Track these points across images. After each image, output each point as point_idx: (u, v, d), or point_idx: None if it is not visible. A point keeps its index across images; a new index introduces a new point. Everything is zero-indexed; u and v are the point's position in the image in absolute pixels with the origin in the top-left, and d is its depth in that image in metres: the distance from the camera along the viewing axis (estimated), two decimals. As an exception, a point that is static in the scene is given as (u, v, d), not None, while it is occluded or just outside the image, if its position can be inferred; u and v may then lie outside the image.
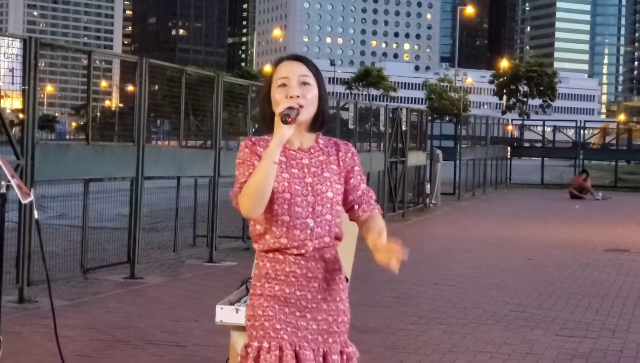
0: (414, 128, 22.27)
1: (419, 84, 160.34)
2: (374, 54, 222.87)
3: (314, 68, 3.38)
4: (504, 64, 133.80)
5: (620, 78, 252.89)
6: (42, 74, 9.35)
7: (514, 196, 29.90)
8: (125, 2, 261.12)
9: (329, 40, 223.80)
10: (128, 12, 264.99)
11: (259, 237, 3.34)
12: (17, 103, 9.34)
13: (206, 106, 12.87)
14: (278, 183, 3.26)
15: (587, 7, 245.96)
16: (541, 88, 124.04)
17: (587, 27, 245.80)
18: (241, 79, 15.93)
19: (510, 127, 42.63)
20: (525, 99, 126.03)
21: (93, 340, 7.42)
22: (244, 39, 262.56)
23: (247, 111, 13.88)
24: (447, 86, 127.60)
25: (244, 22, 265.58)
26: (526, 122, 46.91)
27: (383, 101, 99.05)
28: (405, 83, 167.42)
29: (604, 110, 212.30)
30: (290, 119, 3.17)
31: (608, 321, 8.89)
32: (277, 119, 3.21)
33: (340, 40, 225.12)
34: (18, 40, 9.18)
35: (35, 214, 4.16)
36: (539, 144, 40.33)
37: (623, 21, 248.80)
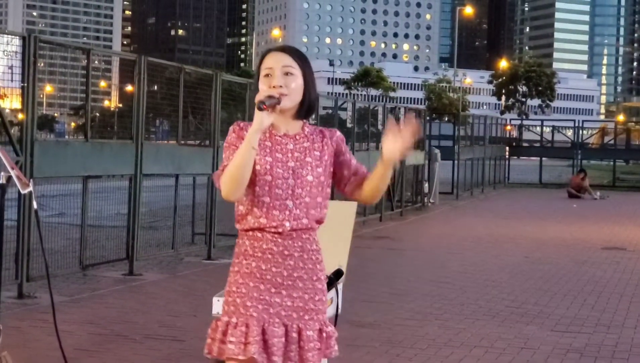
0: (412, 127, 22.26)
1: (418, 85, 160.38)
2: (373, 54, 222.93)
3: (299, 58, 3.51)
4: (503, 64, 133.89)
5: (619, 79, 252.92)
6: (41, 74, 9.40)
7: (512, 195, 29.97)
8: (125, 3, 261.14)
9: (328, 40, 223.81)
10: (127, 12, 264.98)
11: (241, 218, 3.47)
12: (16, 103, 9.40)
13: (205, 105, 12.92)
14: (261, 166, 3.40)
15: (586, 8, 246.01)
16: (540, 88, 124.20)
17: (586, 27, 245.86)
18: (239, 78, 15.98)
19: (509, 127, 42.71)
20: (524, 100, 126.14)
21: (92, 334, 7.49)
22: (243, 39, 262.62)
23: (245, 109, 13.94)
24: (446, 86, 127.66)
25: (243, 23, 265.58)
26: (525, 123, 46.97)
27: (382, 101, 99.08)
28: (404, 83, 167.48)
29: (603, 110, 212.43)
30: (264, 106, 3.29)
31: (603, 317, 8.95)
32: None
33: (339, 41, 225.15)
34: (17, 37, 9.23)
35: (35, 205, 4.21)
36: (537, 144, 40.39)
37: (622, 22, 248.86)
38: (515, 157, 38.63)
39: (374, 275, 11.42)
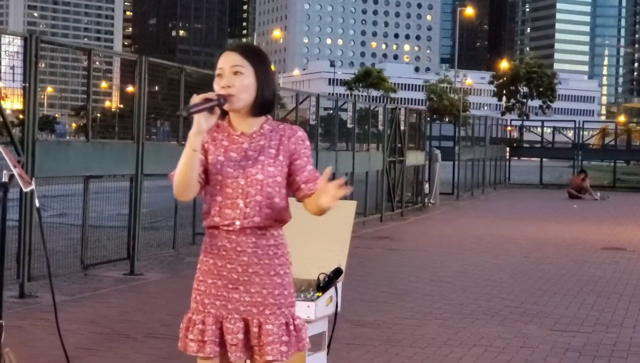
0: (413, 128, 22.37)
1: (419, 85, 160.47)
2: (374, 55, 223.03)
3: (250, 56, 3.51)
4: (504, 65, 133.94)
5: (620, 80, 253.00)
6: (43, 75, 9.44)
7: (512, 196, 30.00)
8: (126, 3, 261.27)
9: (329, 41, 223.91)
10: (128, 13, 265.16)
11: (204, 215, 3.55)
12: (17, 104, 9.44)
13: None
14: (213, 166, 3.48)
15: (587, 9, 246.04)
16: (541, 89, 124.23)
17: (587, 28, 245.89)
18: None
19: (509, 128, 42.72)
20: (524, 100, 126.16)
21: (93, 333, 7.53)
22: (244, 40, 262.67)
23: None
24: (446, 87, 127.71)
25: (244, 24, 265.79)
26: (525, 123, 47.00)
27: (383, 102, 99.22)
28: (405, 84, 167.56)
29: (603, 111, 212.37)
30: (191, 112, 3.34)
31: (602, 316, 8.99)
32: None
33: (340, 42, 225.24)
34: (19, 38, 9.27)
35: (37, 203, 4.25)
36: (538, 145, 40.42)
37: (623, 22, 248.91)
38: (515, 158, 38.66)
39: (374, 274, 11.45)
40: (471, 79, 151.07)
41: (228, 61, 3.48)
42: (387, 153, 19.68)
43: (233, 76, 3.45)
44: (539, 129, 41.09)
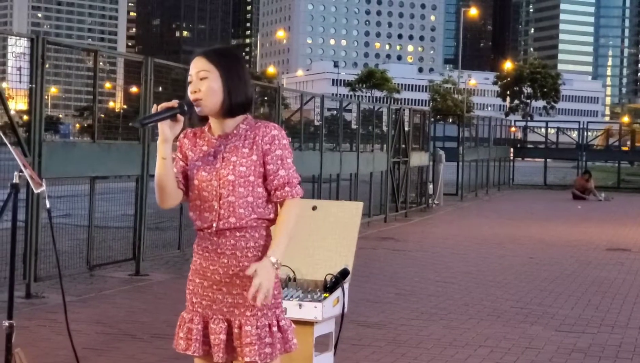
0: (417, 129, 22.38)
1: (423, 86, 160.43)
2: (377, 55, 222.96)
3: (217, 60, 3.51)
4: (508, 65, 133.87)
5: (624, 80, 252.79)
6: (47, 76, 9.46)
7: (516, 196, 29.99)
8: (130, 4, 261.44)
9: (332, 42, 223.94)
10: (132, 13, 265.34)
11: (190, 218, 3.60)
12: (22, 105, 9.47)
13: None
14: (190, 171, 3.53)
15: (591, 9, 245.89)
16: (545, 90, 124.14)
17: (591, 29, 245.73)
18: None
19: (513, 129, 42.70)
20: (528, 101, 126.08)
21: (100, 333, 7.55)
22: (247, 40, 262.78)
23: (251, 110, 13.98)
24: (450, 87, 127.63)
25: (248, 24, 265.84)
26: (529, 124, 46.98)
27: (387, 102, 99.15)
28: (409, 85, 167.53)
29: (607, 112, 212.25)
30: (146, 122, 3.45)
31: (607, 317, 9.00)
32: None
33: (343, 42, 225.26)
34: (25, 39, 9.30)
35: (47, 204, 4.27)
36: (542, 146, 40.40)
37: (627, 23, 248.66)
38: (519, 158, 38.63)
39: (378, 275, 11.47)
40: (475, 79, 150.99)
41: (195, 66, 3.50)
42: (391, 153, 19.69)
43: (199, 81, 3.48)
44: (543, 130, 41.09)
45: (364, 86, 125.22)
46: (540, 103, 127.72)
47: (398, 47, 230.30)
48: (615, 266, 12.95)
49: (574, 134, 39.84)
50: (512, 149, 37.19)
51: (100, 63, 10.83)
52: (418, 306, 9.34)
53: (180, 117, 3.43)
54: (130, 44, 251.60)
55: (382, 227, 17.93)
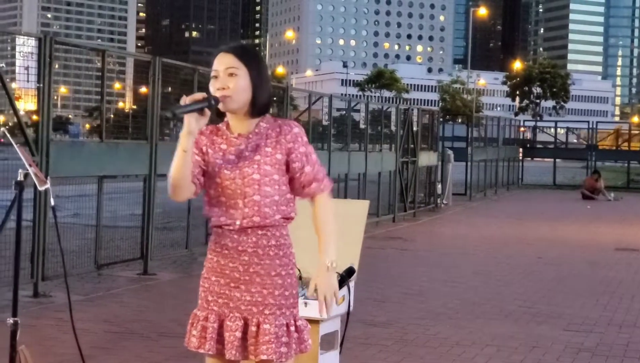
0: (426, 129, 22.37)
1: (432, 86, 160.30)
2: (386, 56, 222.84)
3: (244, 58, 3.51)
4: (517, 65, 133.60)
5: (634, 80, 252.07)
6: (56, 76, 9.48)
7: (525, 196, 29.94)
8: (139, 5, 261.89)
9: (341, 42, 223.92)
10: (141, 14, 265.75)
11: (208, 215, 3.58)
12: (31, 105, 9.50)
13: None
14: (212, 169, 3.51)
15: (601, 9, 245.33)
16: (554, 90, 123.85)
17: (600, 28, 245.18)
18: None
19: (522, 129, 42.64)
20: (538, 101, 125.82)
21: (107, 332, 7.57)
22: (256, 41, 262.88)
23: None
24: (459, 87, 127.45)
25: (257, 24, 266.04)
26: (539, 124, 46.89)
27: (396, 103, 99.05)
28: (418, 85, 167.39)
29: (617, 112, 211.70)
30: (179, 111, 3.36)
31: (615, 317, 8.97)
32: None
33: (352, 42, 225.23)
34: (33, 38, 9.33)
35: (52, 201, 4.28)
36: (551, 146, 40.33)
37: (637, 23, 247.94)
38: (529, 158, 38.56)
39: (386, 275, 11.47)
40: (484, 79, 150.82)
41: (223, 62, 3.49)
42: (400, 153, 19.68)
43: (228, 77, 3.47)
44: (552, 130, 41.02)
45: (373, 86, 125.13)
46: (550, 103, 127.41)
47: (407, 48, 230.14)
48: (624, 266, 12.92)
49: (583, 134, 39.73)
50: (521, 149, 37.14)
51: (110, 64, 10.86)
52: (425, 305, 9.34)
53: (207, 112, 3.41)
54: (139, 44, 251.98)
55: (390, 227, 17.93)
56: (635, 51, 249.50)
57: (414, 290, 10.32)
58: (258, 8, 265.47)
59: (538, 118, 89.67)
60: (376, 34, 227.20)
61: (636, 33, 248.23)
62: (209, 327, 3.50)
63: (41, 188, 4.29)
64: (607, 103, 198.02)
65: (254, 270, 3.49)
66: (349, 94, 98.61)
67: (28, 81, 9.20)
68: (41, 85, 9.06)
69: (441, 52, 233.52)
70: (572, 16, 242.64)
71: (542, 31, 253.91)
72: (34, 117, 9.29)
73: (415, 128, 20.86)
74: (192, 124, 3.37)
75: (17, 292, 4.48)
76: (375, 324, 8.19)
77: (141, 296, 9.44)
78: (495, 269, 12.35)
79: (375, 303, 9.21)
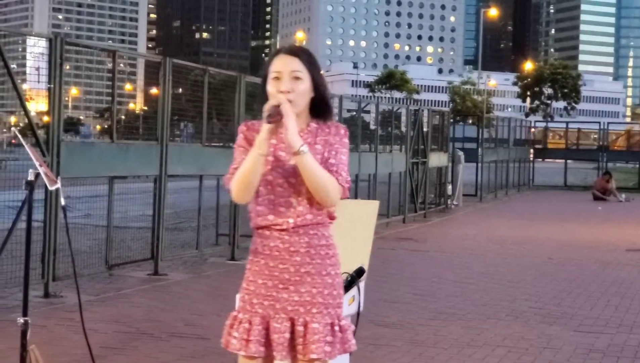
0: (436, 130, 22.34)
1: (443, 87, 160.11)
2: (397, 56, 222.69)
3: (307, 61, 3.54)
4: (528, 66, 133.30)
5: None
6: (67, 77, 9.51)
7: (536, 197, 29.88)
8: (150, 6, 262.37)
9: (352, 43, 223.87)
10: (152, 15, 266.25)
11: (252, 216, 3.57)
12: (42, 105, 9.53)
13: (229, 108, 13.00)
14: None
15: (612, 10, 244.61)
16: (565, 91, 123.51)
17: (611, 29, 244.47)
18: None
19: (533, 130, 42.52)
20: (549, 102, 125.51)
21: (118, 332, 7.58)
22: (267, 42, 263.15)
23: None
24: (470, 88, 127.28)
25: (267, 26, 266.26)
26: (550, 125, 46.75)
27: (406, 103, 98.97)
28: (428, 86, 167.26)
29: (629, 113, 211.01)
30: (272, 120, 3.39)
31: (626, 317, 8.94)
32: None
33: (363, 43, 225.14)
34: (44, 39, 9.35)
35: (62, 201, 4.30)
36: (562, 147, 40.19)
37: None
38: (540, 159, 38.48)
39: (397, 275, 11.46)
40: (495, 80, 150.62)
41: (287, 65, 3.50)
42: (410, 154, 19.66)
43: (293, 80, 3.49)
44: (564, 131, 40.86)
45: (384, 87, 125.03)
46: (561, 104, 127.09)
47: (418, 48, 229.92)
48: (635, 267, 12.88)
49: (594, 136, 39.59)
50: (532, 150, 37.06)
51: (121, 65, 10.87)
52: (436, 306, 9.32)
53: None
54: (150, 45, 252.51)
55: (400, 228, 17.91)
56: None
57: (424, 291, 10.31)
58: (268, 9, 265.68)
59: (549, 119, 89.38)
60: (386, 34, 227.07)
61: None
62: (254, 330, 3.49)
63: (52, 188, 4.31)
64: (619, 104, 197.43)
65: (306, 270, 3.50)
66: (359, 95, 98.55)
67: (39, 82, 9.22)
68: (52, 86, 9.08)
69: (452, 53, 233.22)
70: (583, 17, 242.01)
71: (553, 32, 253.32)
72: (45, 118, 9.31)
73: (425, 129, 20.84)
74: (270, 129, 3.39)
75: (27, 292, 4.48)
76: (386, 325, 8.18)
77: (152, 297, 9.45)
78: (506, 270, 12.33)
79: (385, 304, 9.21)
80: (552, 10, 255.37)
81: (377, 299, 9.22)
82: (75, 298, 8.43)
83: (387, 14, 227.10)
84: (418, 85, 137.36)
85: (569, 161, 37.52)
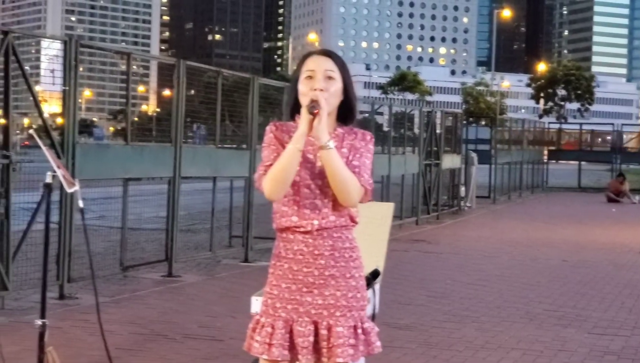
0: (449, 131, 22.32)
1: (455, 89, 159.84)
2: (409, 58, 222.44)
3: (340, 63, 3.60)
4: (542, 67, 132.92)
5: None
6: (81, 79, 9.53)
7: (550, 199, 29.80)
8: (162, 8, 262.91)
9: (364, 44, 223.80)
10: (165, 17, 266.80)
11: (276, 217, 3.57)
12: (56, 108, 9.56)
13: (242, 108, 13.03)
14: None
15: (625, 11, 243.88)
16: (579, 92, 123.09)
17: (625, 31, 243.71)
18: (276, 82, 16.06)
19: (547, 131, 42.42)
20: (562, 103, 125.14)
21: (133, 334, 7.60)
22: (279, 43, 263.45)
23: (282, 113, 14.02)
24: (483, 90, 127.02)
25: (280, 27, 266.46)
26: (563, 126, 46.63)
27: (419, 105, 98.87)
28: (441, 87, 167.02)
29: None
30: (316, 111, 3.40)
31: (641, 320, 8.92)
32: (303, 110, 3.44)
33: (375, 45, 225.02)
34: (58, 41, 9.38)
35: (80, 203, 4.32)
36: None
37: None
38: (553, 161, 38.38)
39: (410, 277, 11.46)
40: (508, 81, 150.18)
41: (321, 64, 3.55)
42: (423, 156, 19.65)
43: (326, 80, 3.53)
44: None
45: (396, 88, 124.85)
46: (575, 105, 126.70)
47: (430, 50, 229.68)
48: (650, 269, 12.84)
49: (608, 137, 39.47)
50: (546, 152, 36.95)
51: (134, 67, 10.91)
52: (450, 308, 9.31)
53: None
54: (163, 47, 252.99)
55: (413, 229, 17.90)
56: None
57: (438, 293, 10.30)
58: (281, 11, 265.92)
59: (562, 120, 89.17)
60: (399, 36, 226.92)
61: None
62: (277, 334, 3.49)
63: (70, 190, 4.33)
64: (632, 106, 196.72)
65: (330, 273, 3.52)
66: (372, 97, 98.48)
67: (53, 84, 9.25)
68: (67, 88, 9.11)
69: (464, 54, 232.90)
70: (596, 18, 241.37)
71: (566, 33, 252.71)
72: (59, 120, 9.35)
73: (438, 131, 20.83)
74: (307, 125, 3.41)
75: (45, 294, 4.51)
76: (400, 327, 8.18)
77: (166, 298, 9.48)
78: (520, 272, 12.30)
79: (399, 306, 9.20)
80: (565, 12, 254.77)
81: (391, 301, 9.22)
82: (90, 299, 8.46)
83: (400, 15, 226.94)
84: (431, 86, 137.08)
85: (582, 162, 37.41)
